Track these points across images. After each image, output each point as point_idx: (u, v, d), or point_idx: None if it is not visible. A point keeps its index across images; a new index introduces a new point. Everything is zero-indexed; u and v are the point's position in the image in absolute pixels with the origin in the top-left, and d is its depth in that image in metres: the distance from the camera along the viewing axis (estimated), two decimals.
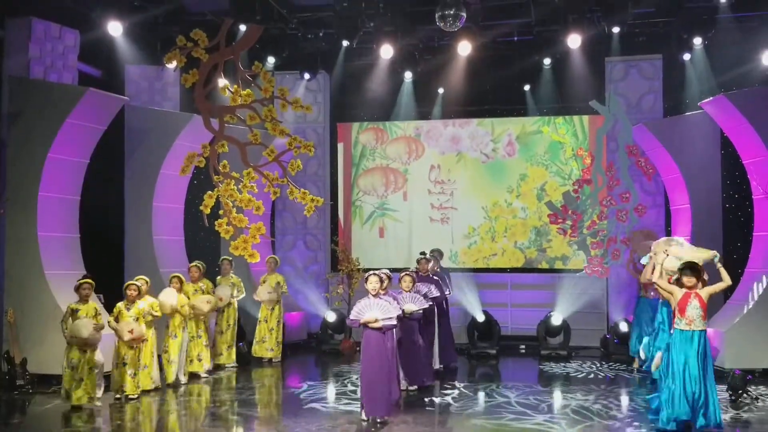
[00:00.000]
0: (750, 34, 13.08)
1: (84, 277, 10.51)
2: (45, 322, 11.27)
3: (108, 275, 13.12)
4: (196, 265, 12.48)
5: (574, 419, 9.21)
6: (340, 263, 14.75)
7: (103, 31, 12.57)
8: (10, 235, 11.53)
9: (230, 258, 12.87)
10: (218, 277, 13.17)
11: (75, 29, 12.49)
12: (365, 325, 9.01)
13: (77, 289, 10.21)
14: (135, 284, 10.68)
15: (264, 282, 13.62)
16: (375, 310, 8.98)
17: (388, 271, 10.14)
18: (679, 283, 8.43)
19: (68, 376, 10.02)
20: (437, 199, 16.10)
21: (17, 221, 11.48)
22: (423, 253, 12.85)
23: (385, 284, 9.61)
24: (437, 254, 13.49)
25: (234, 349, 13.02)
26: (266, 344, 13.40)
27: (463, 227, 15.95)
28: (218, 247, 14.83)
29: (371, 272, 9.36)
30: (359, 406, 9.23)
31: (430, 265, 12.55)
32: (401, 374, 10.32)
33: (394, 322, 9.13)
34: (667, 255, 9.22)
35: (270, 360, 13.34)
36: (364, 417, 9.06)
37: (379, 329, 8.98)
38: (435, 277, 12.40)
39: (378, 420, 8.98)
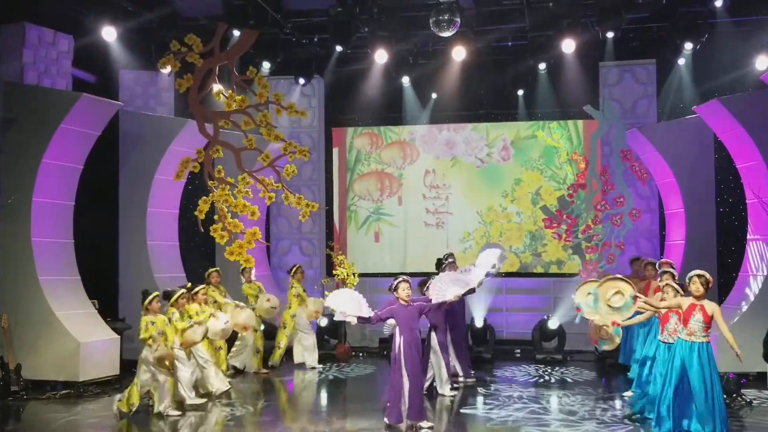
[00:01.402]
0: (743, 39, 13.12)
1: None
2: (39, 327, 11.24)
3: (102, 281, 13.13)
4: (216, 270, 12.40)
5: (563, 421, 9.23)
6: (335, 268, 14.75)
7: (97, 36, 12.55)
8: (4, 240, 11.49)
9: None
10: (243, 285, 13.06)
11: (69, 35, 12.47)
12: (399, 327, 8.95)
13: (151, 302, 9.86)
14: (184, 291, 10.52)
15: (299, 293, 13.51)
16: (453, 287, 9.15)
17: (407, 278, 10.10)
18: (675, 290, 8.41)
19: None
20: (432, 204, 16.11)
21: (11, 227, 11.44)
22: (450, 255, 12.90)
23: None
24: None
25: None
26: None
27: (458, 232, 15.96)
28: (213, 253, 14.84)
29: (401, 278, 9.11)
30: (387, 412, 8.98)
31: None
32: None
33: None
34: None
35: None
36: (402, 424, 8.86)
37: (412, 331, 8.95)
38: None
39: (415, 425, 8.84)
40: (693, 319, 8.00)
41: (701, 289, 8.02)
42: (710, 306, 8.04)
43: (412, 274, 11.40)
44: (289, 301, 13.32)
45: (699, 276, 8.07)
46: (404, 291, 8.96)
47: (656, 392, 8.68)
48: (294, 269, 13.46)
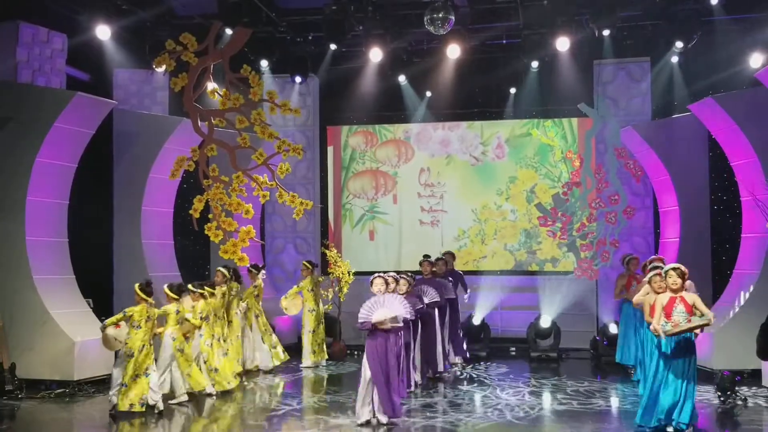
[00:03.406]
0: (738, 37, 13.13)
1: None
2: (33, 327, 11.21)
3: (97, 280, 13.11)
4: (220, 270, 12.33)
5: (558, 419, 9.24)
6: (330, 267, 14.75)
7: (91, 34, 12.53)
8: None
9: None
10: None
11: (63, 33, 12.44)
12: (374, 327, 8.95)
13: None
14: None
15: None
16: (383, 308, 8.97)
17: (394, 274, 10.16)
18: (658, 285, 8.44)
19: None
20: (427, 202, 16.12)
21: (5, 226, 11.41)
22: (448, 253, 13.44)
23: (392, 287, 9.71)
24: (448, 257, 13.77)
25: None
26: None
27: (453, 230, 15.97)
28: (208, 252, 14.84)
29: (376, 275, 9.26)
30: (356, 409, 9.11)
31: (435, 268, 12.78)
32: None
33: (400, 323, 9.11)
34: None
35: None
36: (366, 420, 8.95)
37: (387, 330, 8.95)
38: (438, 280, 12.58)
39: (387, 422, 8.91)
40: (675, 311, 8.09)
41: (678, 282, 8.15)
42: (690, 296, 8.19)
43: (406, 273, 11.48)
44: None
45: (674, 269, 8.17)
46: (376, 287, 9.12)
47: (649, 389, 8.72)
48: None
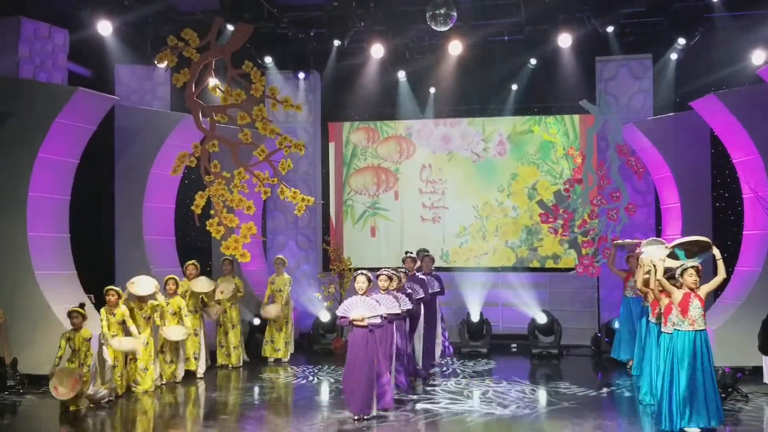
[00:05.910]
0: (740, 34, 13.12)
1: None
2: (35, 322, 11.23)
3: (98, 275, 13.12)
4: (193, 263, 12.39)
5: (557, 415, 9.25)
6: (331, 263, 14.75)
7: (92, 30, 12.53)
8: None
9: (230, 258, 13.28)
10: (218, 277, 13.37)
11: (64, 29, 12.44)
12: (352, 323, 9.02)
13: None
14: (114, 289, 10.61)
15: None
16: (362, 308, 8.99)
17: (389, 272, 10.15)
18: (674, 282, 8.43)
19: None
20: (428, 199, 16.11)
21: (7, 221, 11.43)
22: (408, 252, 13.03)
23: (395, 283, 9.74)
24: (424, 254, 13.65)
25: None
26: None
27: (455, 226, 15.97)
28: (210, 247, 14.84)
29: (360, 271, 9.40)
30: (344, 403, 9.27)
31: (417, 264, 12.67)
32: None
33: (379, 321, 9.14)
34: (664, 260, 8.91)
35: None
36: (353, 415, 9.08)
37: (365, 327, 8.99)
38: (421, 277, 12.50)
39: (358, 418, 9.01)
40: (692, 307, 8.14)
41: (698, 280, 8.14)
42: (701, 291, 8.24)
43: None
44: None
45: (693, 267, 8.20)
46: (357, 284, 9.21)
47: (659, 386, 8.70)
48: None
